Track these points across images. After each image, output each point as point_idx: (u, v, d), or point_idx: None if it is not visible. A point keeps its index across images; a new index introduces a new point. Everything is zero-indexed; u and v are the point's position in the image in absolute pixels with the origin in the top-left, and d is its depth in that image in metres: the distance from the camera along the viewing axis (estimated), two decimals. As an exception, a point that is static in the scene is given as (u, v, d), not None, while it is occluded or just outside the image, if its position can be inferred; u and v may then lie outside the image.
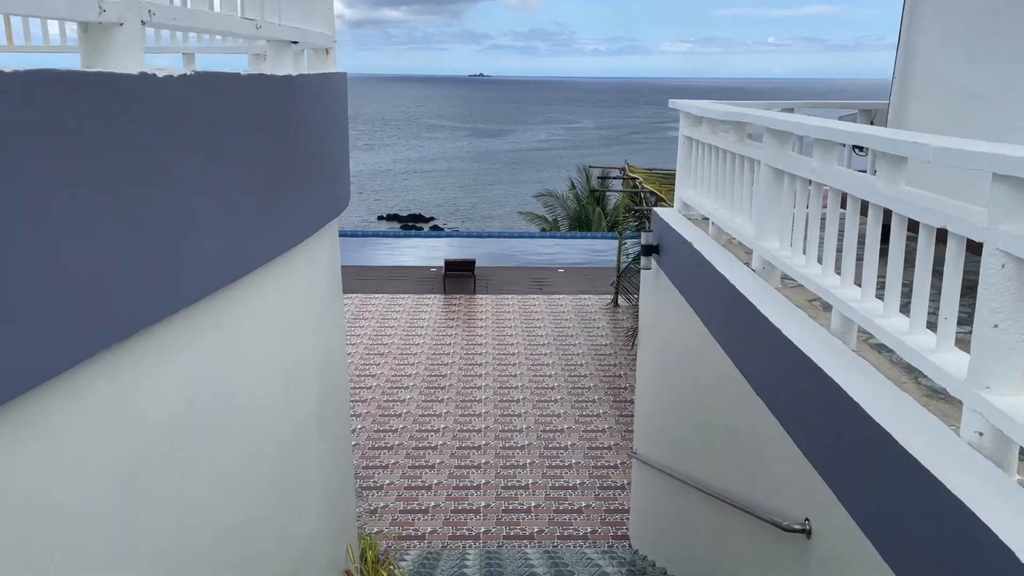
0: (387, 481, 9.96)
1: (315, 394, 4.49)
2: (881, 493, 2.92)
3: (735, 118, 5.56)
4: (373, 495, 9.62)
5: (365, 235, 26.58)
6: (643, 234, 7.26)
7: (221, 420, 3.08)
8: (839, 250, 3.93)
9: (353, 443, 10.86)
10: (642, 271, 8.05)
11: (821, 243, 4.11)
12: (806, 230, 4.37)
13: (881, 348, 3.79)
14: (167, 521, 2.68)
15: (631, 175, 15.62)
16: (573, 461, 10.55)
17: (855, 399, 3.15)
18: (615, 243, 25.28)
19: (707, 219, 6.94)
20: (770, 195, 4.98)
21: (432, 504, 9.45)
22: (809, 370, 3.60)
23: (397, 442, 11.04)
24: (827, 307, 4.37)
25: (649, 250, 7.26)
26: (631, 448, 10.71)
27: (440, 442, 11.05)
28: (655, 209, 7.56)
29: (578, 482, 10.00)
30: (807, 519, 3.65)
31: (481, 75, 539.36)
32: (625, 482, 9.98)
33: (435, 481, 9.98)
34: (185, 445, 2.78)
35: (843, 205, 3.96)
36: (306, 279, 4.17)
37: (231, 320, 3.13)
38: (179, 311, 2.59)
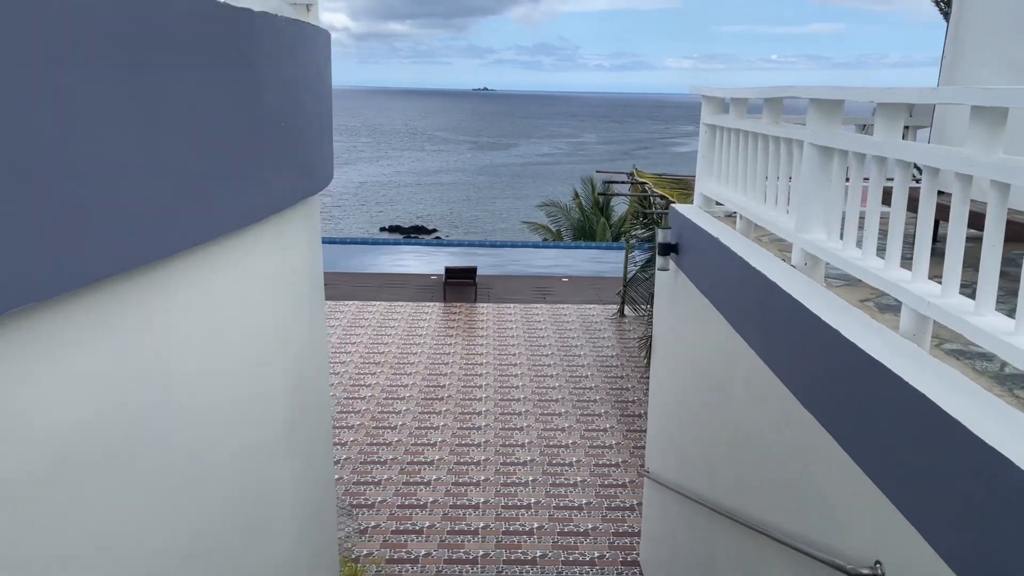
0: (379, 499, 9.28)
1: (284, 403, 3.83)
2: (992, 534, 2.26)
3: (771, 95, 4.93)
4: (363, 514, 8.94)
5: (364, 242, 25.97)
6: (659, 231, 6.62)
7: (145, 434, 2.42)
8: (896, 239, 3.28)
9: (344, 457, 10.20)
10: (657, 273, 7.40)
11: (865, 232, 3.48)
12: (863, 218, 3.73)
13: (960, 354, 3.15)
14: (67, 559, 2.03)
15: (639, 180, 15.00)
16: (578, 479, 9.86)
17: (951, 413, 2.49)
18: (620, 253, 24.67)
19: (732, 216, 6.32)
20: (815, 179, 4.34)
21: (427, 524, 8.76)
22: (881, 379, 2.94)
23: (391, 456, 10.36)
24: (885, 308, 3.72)
25: (667, 249, 6.62)
26: (641, 466, 10.02)
27: (437, 457, 10.37)
28: (674, 205, 6.92)
29: (584, 502, 9.31)
30: (878, 562, 2.98)
31: (485, 89, 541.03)
32: (635, 503, 9.28)
33: (430, 499, 9.29)
34: (92, 466, 2.12)
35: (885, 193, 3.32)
36: (271, 265, 3.52)
37: (165, 307, 2.48)
38: (79, 289, 1.94)
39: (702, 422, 5.80)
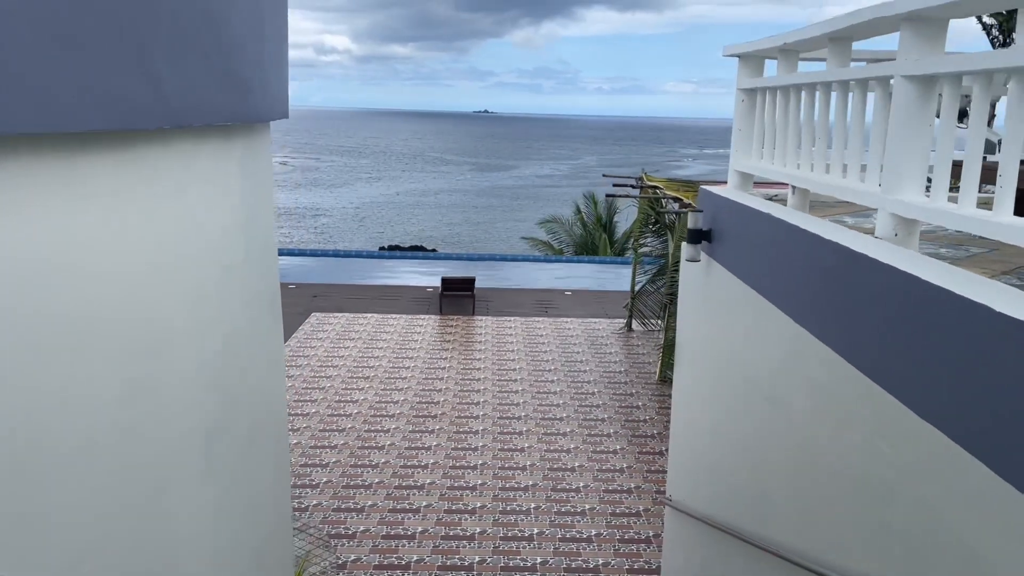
0: (361, 528, 8.19)
1: (195, 408, 2.79)
2: None
3: (839, 28, 3.95)
4: (343, 546, 7.85)
5: (359, 255, 24.98)
6: (690, 215, 5.63)
7: None
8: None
9: (323, 480, 9.13)
10: (683, 268, 6.40)
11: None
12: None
13: None
14: None
15: (649, 183, 14.05)
16: (586, 507, 8.78)
17: None
18: (624, 269, 23.68)
19: (773, 199, 5.35)
20: (910, 124, 3.36)
21: (414, 559, 7.67)
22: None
23: (377, 480, 9.28)
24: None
25: (697, 236, 5.61)
26: (659, 492, 8.93)
27: (428, 481, 9.29)
28: (705, 187, 5.93)
29: (593, 533, 8.23)
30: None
31: (486, 112, 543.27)
32: (652, 534, 8.20)
33: (419, 529, 8.21)
34: None
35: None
36: (169, 206, 2.51)
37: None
38: None
39: (747, 442, 4.76)
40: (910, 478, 2.84)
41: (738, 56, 5.58)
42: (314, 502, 8.68)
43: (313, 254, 25.08)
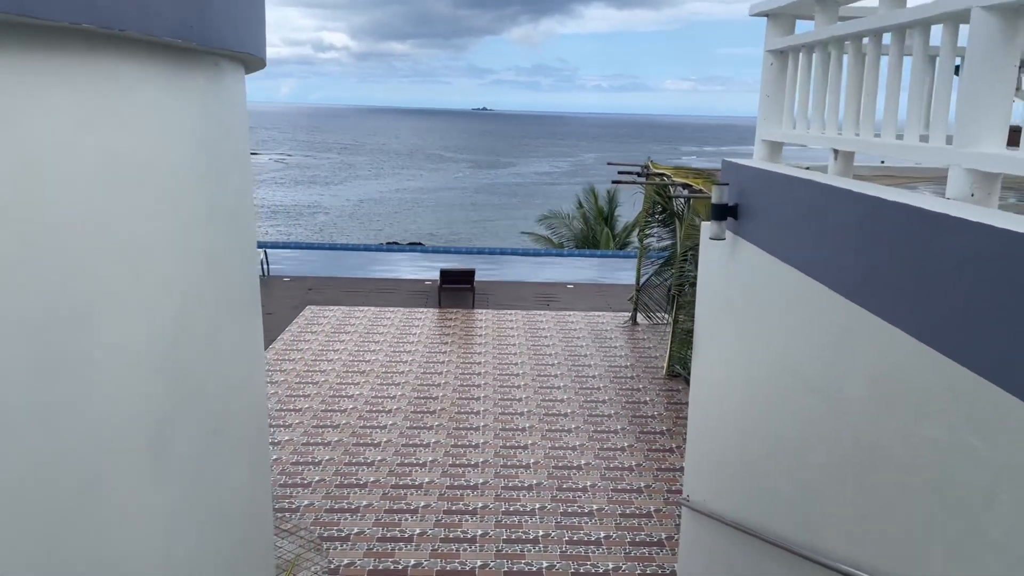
0: (355, 530, 7.69)
1: (139, 392, 2.28)
2: None
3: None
4: (336, 549, 7.35)
5: (356, 248, 24.46)
6: (715, 189, 5.13)
7: None
8: None
9: (316, 479, 8.63)
10: (703, 248, 5.90)
11: None
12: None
13: None
14: None
15: (656, 171, 13.54)
16: (594, 507, 8.29)
17: None
18: (627, 262, 23.17)
19: (807, 168, 4.86)
20: (992, 64, 2.87)
21: (411, 563, 7.18)
22: None
23: (372, 479, 8.78)
24: None
25: (722, 212, 5.11)
26: (672, 492, 8.44)
27: (426, 479, 8.79)
28: (728, 159, 5.44)
29: (602, 535, 7.73)
30: None
31: (484, 109, 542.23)
32: (664, 536, 7.71)
33: (417, 531, 7.71)
34: None
35: None
36: (101, 134, 2.00)
37: None
38: None
39: (786, 438, 4.26)
40: (1012, 480, 2.35)
41: (766, 15, 5.09)
42: (305, 502, 8.19)
43: (309, 247, 24.57)
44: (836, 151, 4.17)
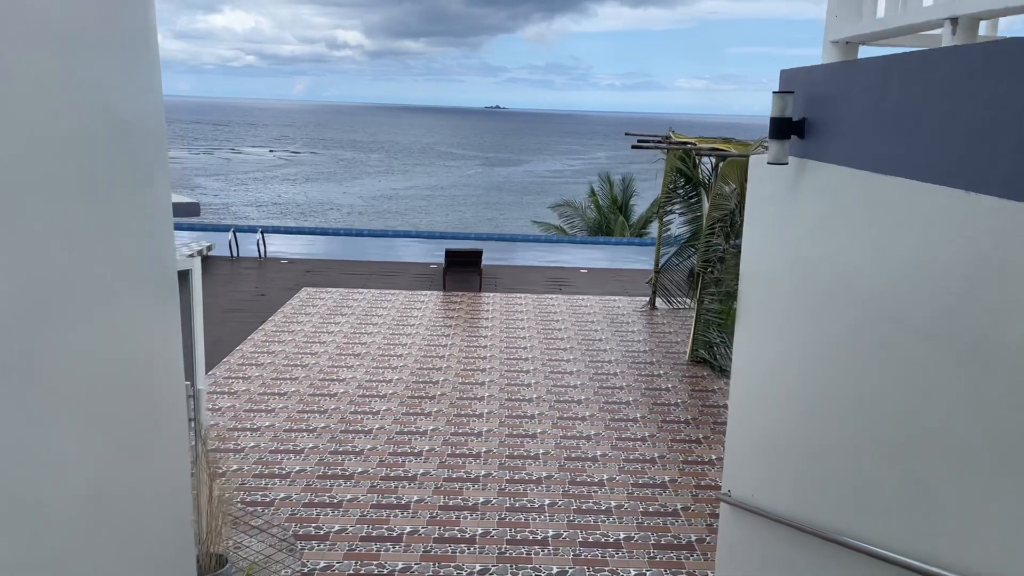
0: (336, 527, 6.66)
1: None
2: None
3: None
4: (313, 549, 6.32)
5: (360, 234, 23.46)
6: (775, 99, 4.04)
7: None
8: None
9: (297, 469, 7.62)
10: (752, 184, 4.82)
11: None
12: None
13: None
14: None
15: (679, 141, 12.46)
16: (612, 503, 7.22)
17: None
18: (643, 250, 22.08)
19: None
20: None
21: (399, 566, 6.14)
22: None
23: (360, 469, 7.74)
24: None
25: (785, 129, 4.03)
26: (701, 487, 7.35)
27: (421, 471, 7.75)
28: (788, 69, 4.35)
29: (622, 536, 6.67)
30: None
31: (497, 107, 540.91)
32: (695, 538, 6.63)
33: (408, 529, 6.67)
34: None
35: None
36: None
37: None
38: None
39: (879, 411, 3.18)
40: None
41: None
42: (281, 495, 7.16)
43: (312, 232, 23.60)
44: (954, 20, 3.09)
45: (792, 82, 4.15)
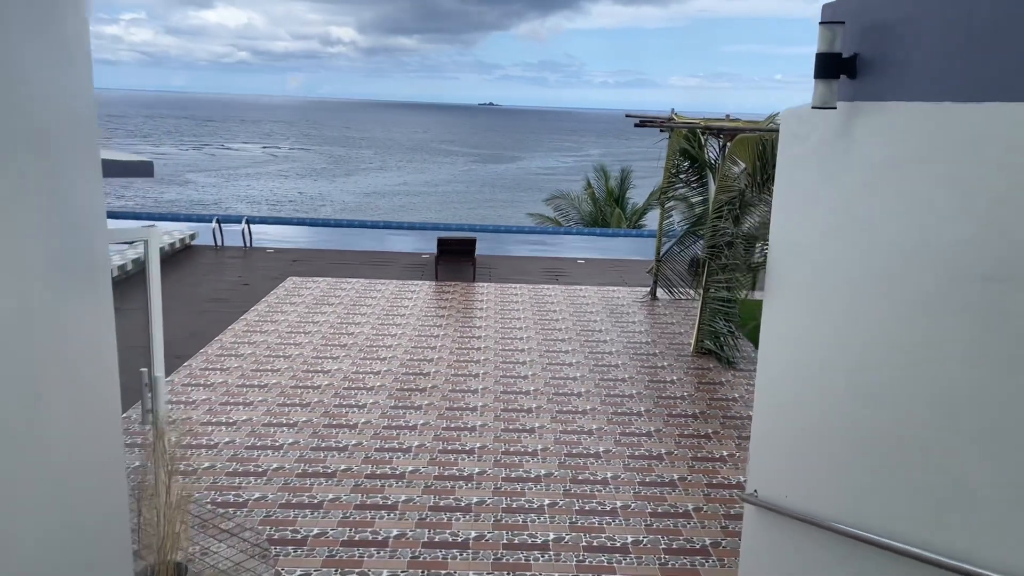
0: (315, 531, 6.04)
1: None
2: None
3: None
4: (289, 556, 5.71)
5: (351, 225, 22.82)
6: (821, 32, 3.44)
7: None
8: None
9: (275, 466, 7.01)
10: (786, 137, 4.22)
11: None
12: None
13: None
14: None
15: (685, 121, 11.86)
16: (617, 504, 6.63)
17: None
18: (640, 241, 21.51)
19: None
20: None
21: (384, 573, 5.53)
22: None
23: (343, 467, 7.13)
24: None
25: (833, 66, 3.43)
26: (713, 485, 6.74)
27: (410, 468, 7.14)
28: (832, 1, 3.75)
29: (629, 540, 6.07)
30: None
31: (491, 104, 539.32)
32: (709, 542, 6.05)
33: (395, 532, 6.06)
34: None
35: None
36: None
37: None
38: None
39: (962, 410, 2.58)
40: None
41: None
42: (256, 494, 6.54)
43: (301, 223, 22.96)
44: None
45: (843, 7, 3.55)
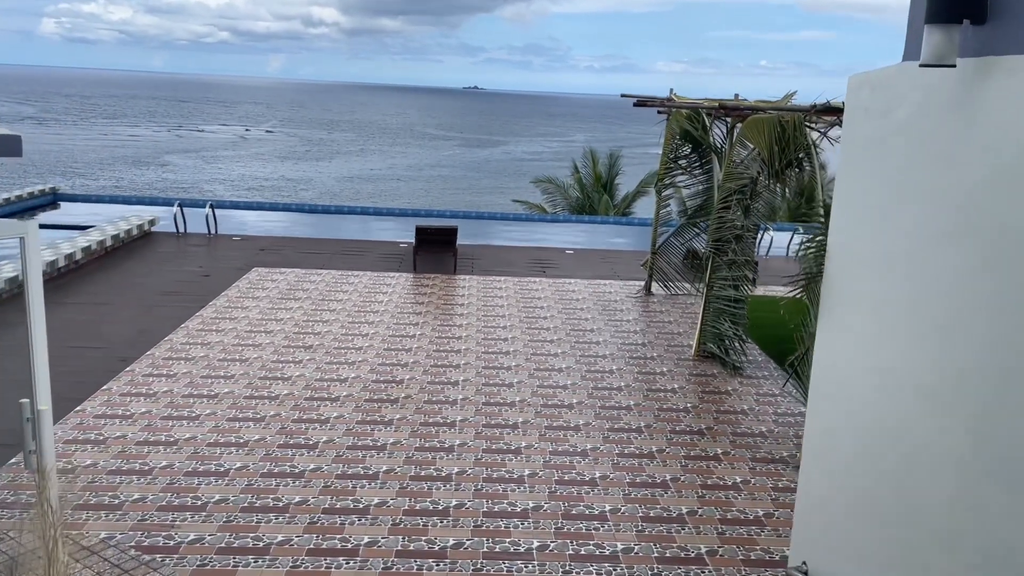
0: (267, 564, 5.03)
1: None
2: None
3: None
4: (222, 617, 4.69)
5: (326, 210, 21.66)
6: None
7: None
8: None
9: (216, 498, 5.97)
10: (851, 116, 3.24)
11: None
12: None
13: None
14: None
15: (683, 103, 10.85)
16: (618, 546, 5.65)
17: None
18: (631, 229, 20.55)
19: None
20: None
21: (338, 646, 4.53)
22: None
23: (297, 497, 6.10)
24: None
25: (956, 7, 2.41)
26: (727, 521, 5.64)
27: (375, 500, 6.13)
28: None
29: (634, 594, 5.10)
30: None
31: (475, 88, 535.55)
32: (730, 600, 5.09)
33: (357, 563, 5.06)
34: None
35: None
36: None
37: None
38: None
39: None
40: None
41: None
42: (191, 536, 5.50)
43: (273, 208, 21.76)
44: None
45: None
